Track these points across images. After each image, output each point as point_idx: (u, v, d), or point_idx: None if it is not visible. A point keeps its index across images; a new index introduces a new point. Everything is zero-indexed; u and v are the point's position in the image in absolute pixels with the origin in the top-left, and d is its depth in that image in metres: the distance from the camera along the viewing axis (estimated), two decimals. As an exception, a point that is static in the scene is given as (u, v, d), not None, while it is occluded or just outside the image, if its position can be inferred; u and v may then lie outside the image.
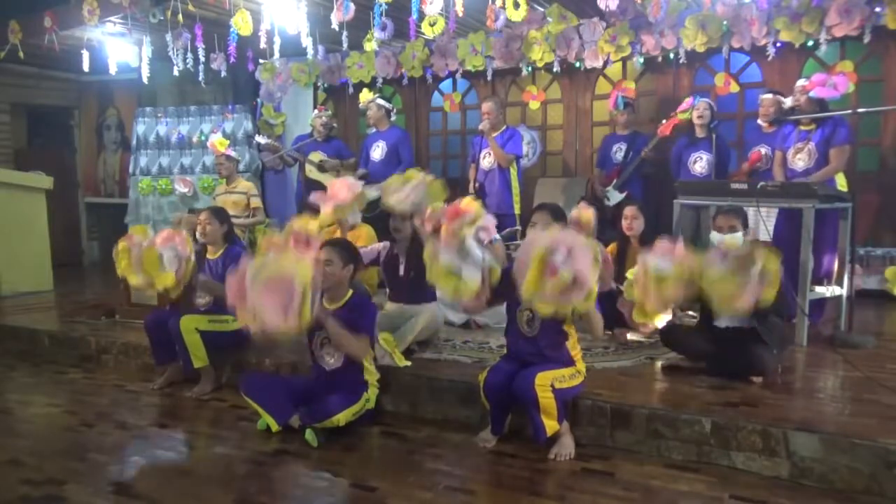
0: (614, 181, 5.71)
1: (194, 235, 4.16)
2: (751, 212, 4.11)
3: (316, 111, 6.38)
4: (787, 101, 4.93)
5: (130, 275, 3.85)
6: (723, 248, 3.20)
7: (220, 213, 4.17)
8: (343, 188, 4.17)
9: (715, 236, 3.50)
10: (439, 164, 7.62)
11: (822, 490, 2.61)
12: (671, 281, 3.09)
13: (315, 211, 4.18)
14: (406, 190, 3.69)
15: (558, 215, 3.08)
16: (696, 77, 6.21)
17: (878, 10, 5.12)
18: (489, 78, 6.75)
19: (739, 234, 3.44)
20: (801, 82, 4.42)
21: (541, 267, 2.65)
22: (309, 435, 3.09)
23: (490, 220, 3.90)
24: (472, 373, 3.32)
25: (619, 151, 5.86)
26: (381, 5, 4.83)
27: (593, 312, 2.90)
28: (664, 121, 5.50)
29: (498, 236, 4.58)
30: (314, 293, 2.96)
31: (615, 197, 5.60)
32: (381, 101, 6.09)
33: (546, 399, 2.82)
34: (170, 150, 7.23)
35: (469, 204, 3.41)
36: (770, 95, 5.17)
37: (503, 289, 3.08)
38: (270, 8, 5.18)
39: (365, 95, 6.22)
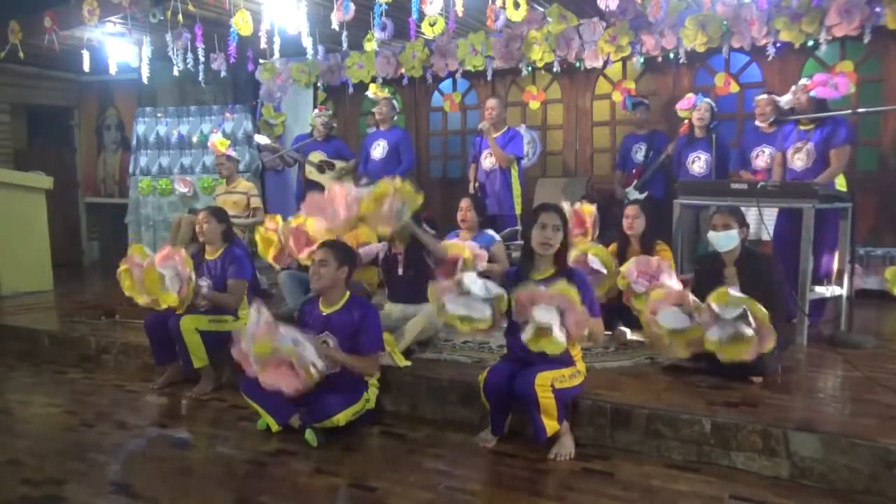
0: (634, 182, 5.70)
1: (194, 236, 4.17)
2: (751, 212, 4.12)
3: (316, 111, 6.38)
4: (783, 100, 4.94)
5: (136, 295, 3.91)
6: (714, 306, 3.15)
7: (218, 213, 4.17)
8: (341, 205, 3.81)
9: (711, 234, 3.51)
10: (439, 164, 7.63)
11: (822, 490, 2.61)
12: (685, 339, 3.25)
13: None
14: (385, 208, 3.64)
15: (563, 216, 3.09)
16: (696, 77, 6.22)
17: (878, 10, 5.11)
18: (489, 78, 6.75)
19: (734, 232, 3.45)
20: (802, 81, 4.41)
21: (537, 330, 2.81)
22: (309, 435, 3.09)
23: (475, 248, 3.95)
24: (472, 373, 3.32)
25: (638, 151, 5.85)
26: (381, 5, 4.83)
27: (592, 329, 2.95)
28: (685, 121, 5.48)
29: (497, 237, 4.60)
30: (310, 358, 3.01)
31: (635, 197, 5.58)
32: (394, 102, 6.15)
33: (546, 399, 2.82)
34: (170, 150, 7.23)
35: (455, 250, 3.63)
36: (764, 96, 5.18)
37: (508, 288, 3.10)
38: (270, 8, 5.18)
39: (376, 88, 6.21)
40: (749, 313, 3.06)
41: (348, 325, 3.24)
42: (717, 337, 3.12)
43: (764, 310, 3.08)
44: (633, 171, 5.80)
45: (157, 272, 3.75)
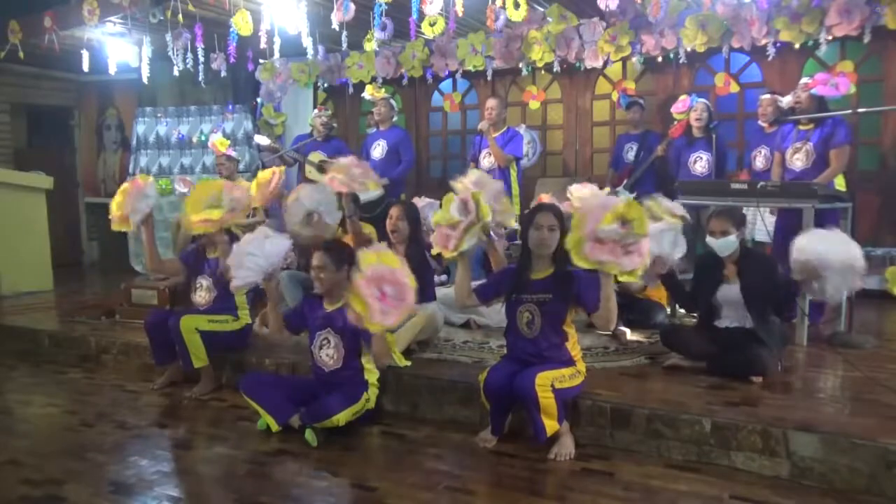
0: (625, 181, 5.71)
1: (194, 236, 4.17)
2: (751, 212, 4.12)
3: (316, 111, 6.38)
4: (784, 101, 4.94)
5: (117, 210, 4.10)
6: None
7: None
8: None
9: (709, 240, 3.49)
10: (439, 164, 7.63)
11: (822, 490, 2.61)
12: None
13: None
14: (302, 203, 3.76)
15: (560, 216, 3.09)
16: (696, 77, 6.22)
17: (877, 10, 5.11)
18: (489, 78, 6.75)
19: (732, 238, 3.42)
20: (804, 80, 4.41)
21: (612, 219, 2.70)
22: (309, 435, 3.09)
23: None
24: (472, 373, 3.32)
25: (630, 151, 5.86)
26: (381, 5, 4.82)
27: (614, 300, 2.91)
28: (675, 122, 5.48)
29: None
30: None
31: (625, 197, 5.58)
32: (392, 102, 6.15)
33: (546, 399, 2.82)
34: (170, 150, 7.23)
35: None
36: (768, 96, 5.18)
37: (505, 286, 3.09)
38: (270, 8, 5.18)
39: (372, 89, 6.21)
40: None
41: (351, 322, 3.22)
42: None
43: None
44: (625, 170, 5.81)
45: (221, 184, 3.89)
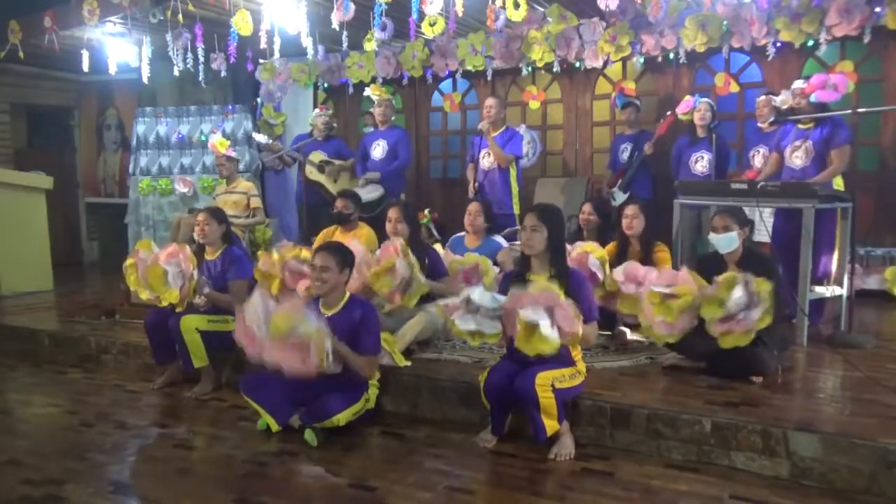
0: (619, 182, 5.72)
1: (193, 237, 4.16)
2: (748, 211, 4.11)
3: (317, 110, 6.39)
4: (778, 99, 4.94)
5: (140, 289, 3.95)
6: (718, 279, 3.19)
7: (217, 214, 4.17)
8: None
9: (711, 237, 3.50)
10: (439, 164, 7.63)
11: (822, 490, 2.61)
12: (676, 310, 3.19)
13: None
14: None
15: (545, 216, 3.05)
16: (696, 77, 6.22)
17: (878, 10, 5.11)
18: (489, 78, 6.75)
19: (734, 234, 3.43)
20: (798, 83, 4.40)
21: (527, 330, 2.78)
22: (308, 435, 3.09)
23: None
24: (472, 373, 3.32)
25: (624, 151, 5.87)
26: (381, 5, 4.82)
27: (586, 331, 2.94)
28: (661, 120, 5.51)
29: (505, 243, 4.60)
30: (328, 347, 3.01)
31: (619, 197, 5.59)
32: (392, 102, 6.16)
33: (546, 399, 2.82)
34: (170, 150, 7.23)
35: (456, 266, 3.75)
36: (763, 97, 5.19)
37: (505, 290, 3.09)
38: (270, 8, 5.18)
39: (376, 89, 6.21)
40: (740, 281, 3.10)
41: (348, 325, 3.23)
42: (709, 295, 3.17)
43: (766, 285, 3.08)
44: (619, 170, 5.82)
45: (160, 268, 3.77)
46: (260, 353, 3.09)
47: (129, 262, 4.00)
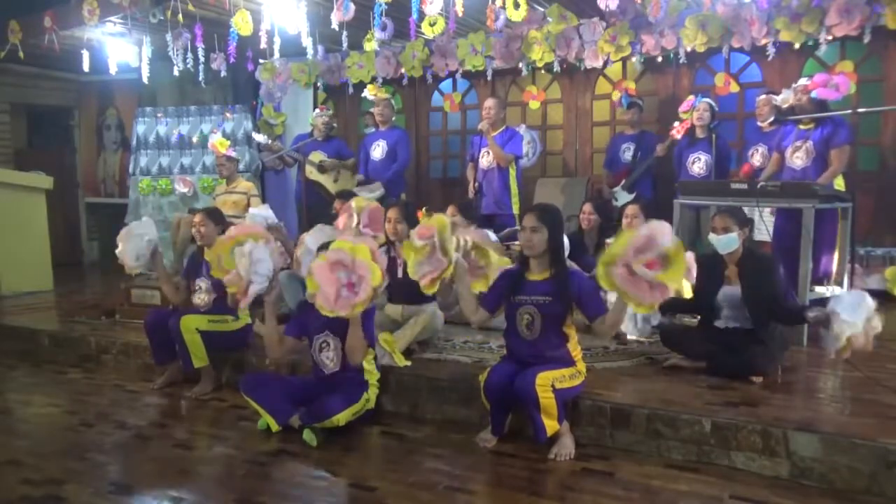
0: (623, 182, 5.71)
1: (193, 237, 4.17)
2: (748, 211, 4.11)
3: (317, 110, 6.39)
4: (778, 99, 4.94)
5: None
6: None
7: (214, 214, 4.16)
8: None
9: (711, 237, 3.50)
10: (439, 164, 7.63)
11: (822, 490, 2.61)
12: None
13: None
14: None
15: (545, 217, 3.04)
16: (696, 77, 6.22)
17: (877, 10, 5.11)
18: (489, 78, 6.75)
19: (734, 235, 3.43)
20: (802, 81, 4.40)
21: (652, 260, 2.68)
22: (308, 435, 3.09)
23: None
24: (472, 373, 3.32)
25: (626, 151, 5.87)
26: (381, 5, 4.82)
27: (623, 319, 2.95)
28: (677, 123, 5.47)
29: (494, 236, 4.59)
30: (374, 297, 3.03)
31: (624, 197, 5.58)
32: (392, 102, 6.16)
33: (546, 399, 2.82)
34: (170, 150, 7.23)
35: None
36: (763, 96, 5.19)
37: (505, 290, 3.09)
38: (270, 8, 5.18)
39: (374, 89, 6.21)
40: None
41: (348, 323, 3.22)
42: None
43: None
44: (622, 170, 5.81)
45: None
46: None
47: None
